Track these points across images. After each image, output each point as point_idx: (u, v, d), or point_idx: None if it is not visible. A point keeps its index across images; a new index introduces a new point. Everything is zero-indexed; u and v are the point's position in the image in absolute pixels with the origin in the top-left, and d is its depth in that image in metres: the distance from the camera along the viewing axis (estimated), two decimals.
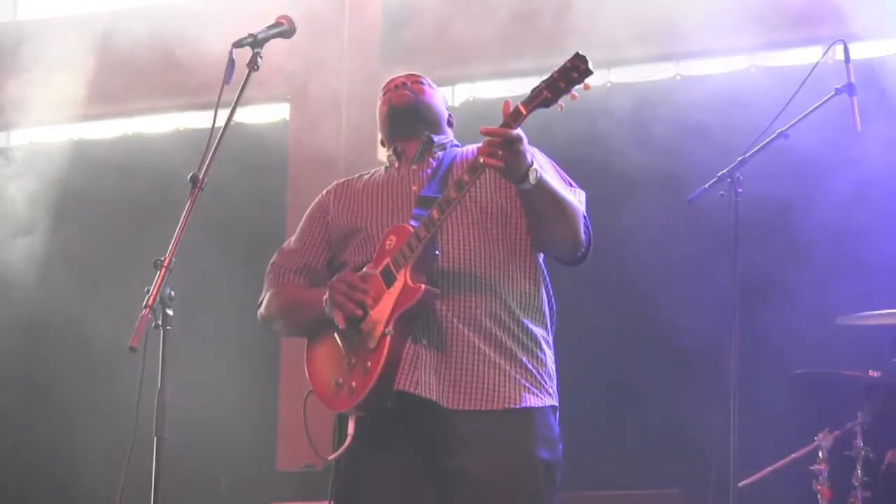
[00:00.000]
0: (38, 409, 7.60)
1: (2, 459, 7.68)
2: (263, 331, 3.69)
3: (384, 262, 3.22)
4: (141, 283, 2.97)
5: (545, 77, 2.98)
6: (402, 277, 3.16)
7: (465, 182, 3.09)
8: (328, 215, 3.50)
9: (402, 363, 3.18)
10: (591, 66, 2.93)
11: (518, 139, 2.99)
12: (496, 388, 3.21)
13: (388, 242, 3.25)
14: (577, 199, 3.34)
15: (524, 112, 2.99)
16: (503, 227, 3.32)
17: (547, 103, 2.97)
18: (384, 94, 3.52)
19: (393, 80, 3.55)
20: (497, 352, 3.24)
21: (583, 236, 3.31)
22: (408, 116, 3.46)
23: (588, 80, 2.96)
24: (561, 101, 2.97)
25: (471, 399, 3.19)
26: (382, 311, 3.18)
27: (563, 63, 2.95)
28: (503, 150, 2.97)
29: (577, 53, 2.95)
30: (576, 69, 2.94)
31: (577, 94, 2.96)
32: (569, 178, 3.42)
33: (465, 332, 3.22)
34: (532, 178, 3.05)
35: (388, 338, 3.16)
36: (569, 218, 3.25)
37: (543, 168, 3.24)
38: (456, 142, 3.54)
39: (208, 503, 6.93)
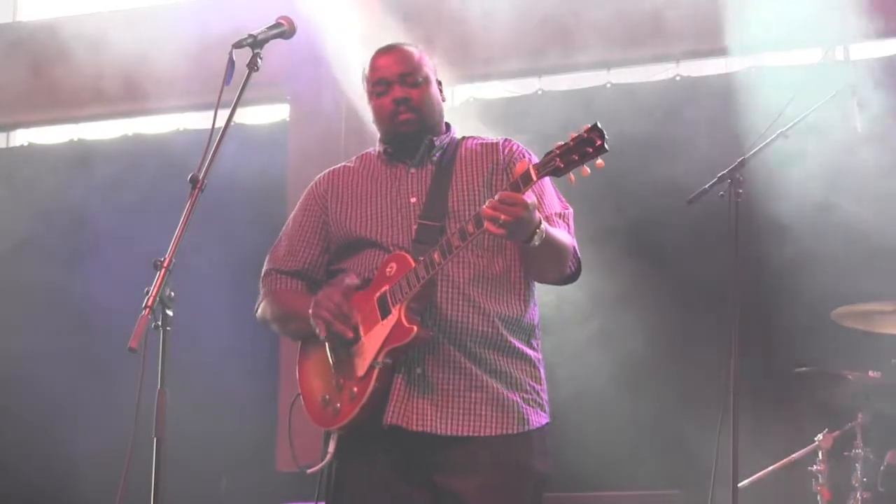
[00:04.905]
0: (38, 411, 7.59)
1: (1, 461, 7.67)
2: (263, 331, 3.68)
3: (382, 290, 3.21)
4: (141, 283, 2.97)
5: (561, 143, 2.93)
6: (397, 313, 3.15)
7: (469, 234, 3.06)
8: (326, 215, 3.46)
9: (394, 396, 3.18)
10: (606, 144, 2.88)
11: (524, 206, 2.95)
12: (494, 415, 3.21)
13: (388, 269, 3.22)
14: (568, 231, 3.32)
15: (534, 178, 2.96)
16: (498, 249, 3.31)
17: (558, 173, 2.93)
18: (378, 96, 3.40)
19: (384, 71, 3.40)
20: (495, 377, 3.24)
21: (570, 269, 3.31)
22: (414, 140, 3.41)
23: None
24: (572, 174, 2.93)
25: (470, 426, 3.19)
26: (374, 340, 3.18)
27: (580, 132, 2.90)
28: (507, 216, 2.94)
29: (595, 125, 2.91)
30: (591, 143, 2.89)
31: (588, 170, 2.91)
32: (561, 198, 3.39)
33: (462, 358, 3.21)
34: (537, 239, 3.04)
35: (377, 370, 3.16)
36: (562, 260, 3.25)
37: (545, 197, 3.24)
38: (455, 132, 3.49)
39: None
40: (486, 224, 2.96)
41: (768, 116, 4.63)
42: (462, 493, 3.15)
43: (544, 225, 3.07)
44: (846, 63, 4.78)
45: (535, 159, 3.12)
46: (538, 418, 3.28)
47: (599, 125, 2.90)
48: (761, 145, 4.58)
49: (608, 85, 6.91)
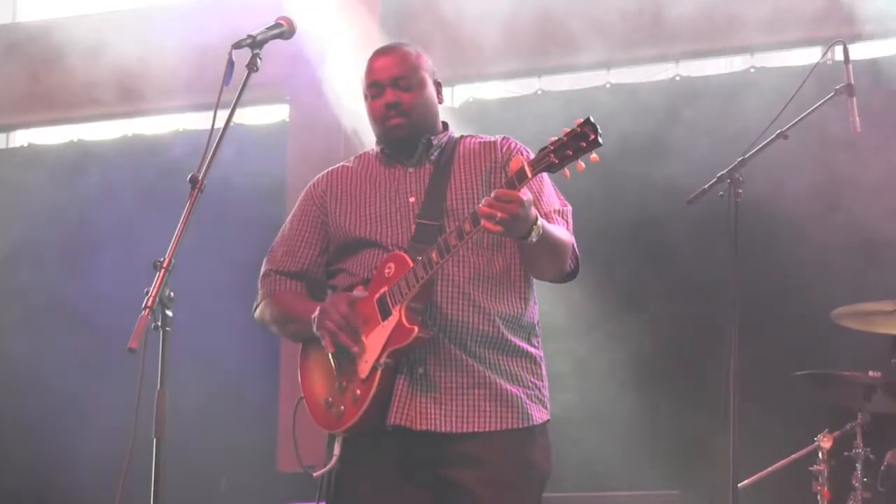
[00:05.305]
0: (38, 411, 7.59)
1: (1, 461, 7.67)
2: (263, 332, 3.69)
3: (381, 290, 3.21)
4: (141, 283, 2.97)
5: (554, 138, 2.92)
6: (398, 314, 3.15)
7: (466, 232, 3.06)
8: (325, 215, 3.46)
9: (396, 396, 3.19)
10: (600, 137, 2.88)
11: (519, 203, 2.95)
12: (497, 410, 3.21)
13: (386, 270, 3.22)
14: (566, 228, 3.32)
15: (529, 174, 2.96)
16: (498, 248, 3.31)
17: (553, 168, 2.93)
18: (373, 98, 3.41)
19: (378, 74, 3.40)
20: (497, 373, 3.24)
21: (570, 266, 3.31)
22: (407, 143, 3.41)
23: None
24: (567, 170, 2.93)
25: (474, 422, 3.20)
26: (375, 341, 3.18)
27: (573, 127, 2.90)
28: (503, 213, 2.94)
29: (588, 119, 2.90)
30: (584, 137, 2.88)
31: (583, 165, 2.91)
32: (560, 195, 3.39)
33: (464, 357, 3.22)
34: (535, 236, 3.04)
35: (380, 371, 3.16)
36: (560, 257, 3.25)
37: (543, 195, 3.24)
38: (452, 132, 3.49)
39: None
40: (483, 222, 2.96)
41: (768, 116, 4.63)
42: (468, 485, 3.16)
43: (541, 221, 3.07)
44: (846, 63, 4.78)
45: (532, 156, 3.12)
46: (540, 414, 3.29)
47: (592, 119, 2.90)
48: (761, 145, 4.57)
49: (608, 85, 6.90)
